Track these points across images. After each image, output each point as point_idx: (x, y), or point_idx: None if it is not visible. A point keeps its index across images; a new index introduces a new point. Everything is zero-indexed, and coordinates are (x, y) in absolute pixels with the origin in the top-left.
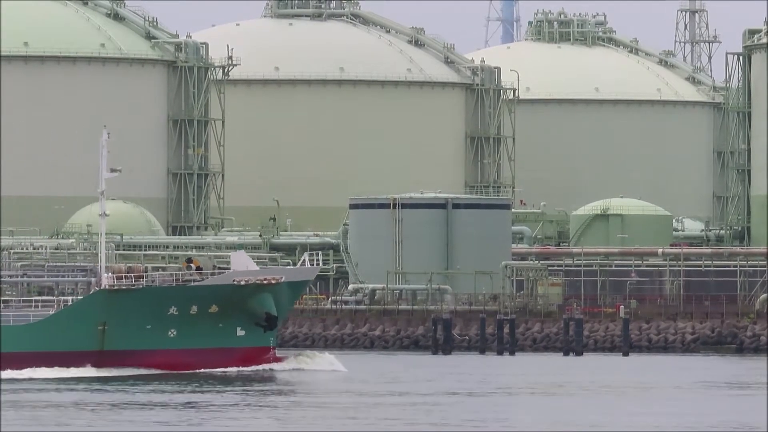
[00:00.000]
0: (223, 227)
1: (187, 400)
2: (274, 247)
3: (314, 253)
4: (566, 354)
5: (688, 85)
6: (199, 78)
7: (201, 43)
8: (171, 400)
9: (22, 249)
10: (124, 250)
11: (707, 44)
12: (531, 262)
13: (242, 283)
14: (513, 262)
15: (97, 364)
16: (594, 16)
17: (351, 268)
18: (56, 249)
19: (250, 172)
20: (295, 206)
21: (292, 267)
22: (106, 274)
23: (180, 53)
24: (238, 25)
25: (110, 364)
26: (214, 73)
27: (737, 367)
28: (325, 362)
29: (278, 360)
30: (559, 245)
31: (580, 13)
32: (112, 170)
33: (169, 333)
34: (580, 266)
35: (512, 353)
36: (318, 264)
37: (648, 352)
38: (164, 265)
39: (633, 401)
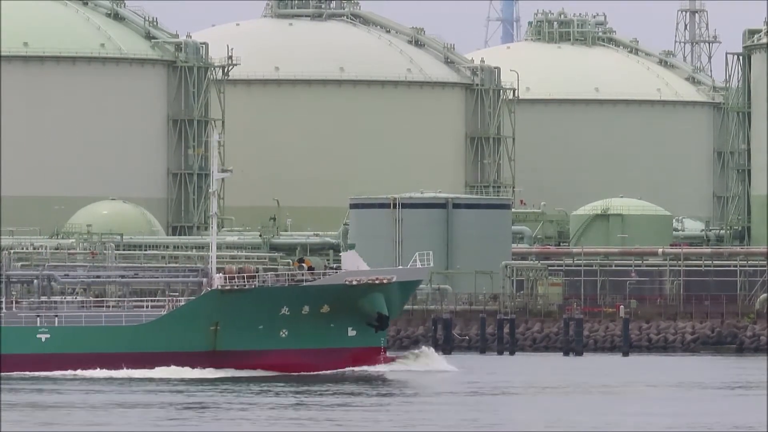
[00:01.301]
0: (223, 227)
1: (298, 401)
2: (274, 247)
3: (425, 252)
4: (566, 354)
5: (688, 85)
6: (199, 78)
7: (201, 43)
8: (281, 402)
9: (23, 249)
10: (124, 250)
11: (707, 44)
12: (531, 262)
13: (354, 283)
14: (513, 261)
15: (208, 365)
16: (594, 16)
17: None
18: (56, 249)
19: (250, 172)
20: (295, 206)
21: (402, 267)
22: (218, 275)
23: (180, 53)
24: (238, 25)
25: (222, 365)
26: (214, 73)
27: (737, 367)
28: (435, 362)
29: (389, 360)
30: (559, 245)
31: (580, 13)
32: (224, 170)
33: (281, 333)
34: (580, 266)
35: (512, 353)
36: (429, 264)
37: (648, 352)
38: (276, 266)
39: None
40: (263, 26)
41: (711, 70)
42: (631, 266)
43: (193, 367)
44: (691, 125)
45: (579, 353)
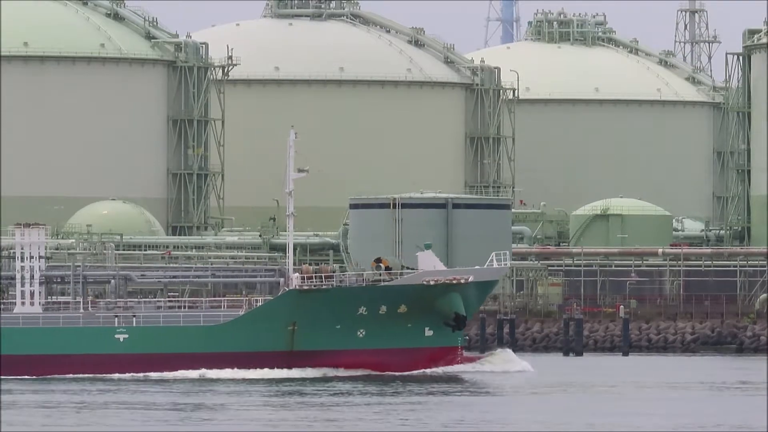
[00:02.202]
0: (223, 227)
1: (377, 401)
2: (274, 247)
3: (501, 253)
4: (566, 354)
5: (688, 85)
6: (199, 78)
7: (201, 43)
8: (362, 401)
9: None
10: (124, 250)
11: (707, 44)
12: (531, 262)
13: (432, 283)
14: (513, 262)
15: (286, 365)
16: (594, 16)
17: (351, 268)
18: (56, 249)
19: (250, 172)
20: (295, 206)
21: (479, 267)
22: (295, 275)
23: (180, 53)
24: (238, 25)
25: (300, 365)
26: (213, 73)
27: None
28: (513, 362)
29: (466, 360)
30: (559, 245)
31: (580, 13)
32: (300, 170)
33: (358, 333)
34: (580, 266)
35: None
36: (506, 264)
37: (648, 352)
38: (352, 266)
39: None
40: (263, 26)
41: (711, 70)
42: (631, 266)
43: (270, 367)
44: (691, 125)
45: (579, 353)
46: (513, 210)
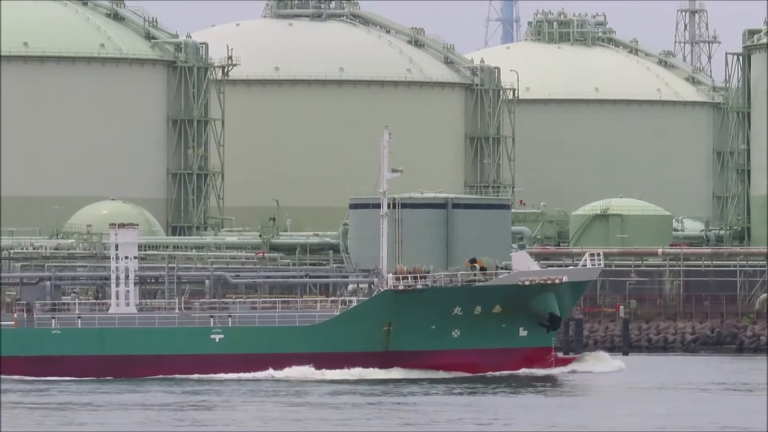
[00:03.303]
0: (222, 227)
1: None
2: (274, 247)
3: (596, 253)
4: (566, 354)
5: (687, 86)
6: (199, 78)
7: (201, 43)
8: (457, 401)
9: (22, 249)
10: None
11: (707, 44)
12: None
13: (527, 283)
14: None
15: (382, 365)
16: (594, 17)
17: (351, 267)
18: (56, 249)
19: (250, 172)
20: (295, 206)
21: (573, 267)
22: (389, 275)
23: (180, 53)
24: (237, 25)
25: (395, 365)
26: (213, 73)
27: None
28: (607, 363)
29: (560, 361)
30: (559, 245)
31: (579, 14)
32: (394, 170)
33: (453, 333)
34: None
35: None
36: (600, 264)
37: (648, 352)
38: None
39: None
40: (263, 26)
41: (711, 70)
42: (630, 266)
43: (365, 367)
44: (691, 125)
45: (579, 353)
46: (513, 210)
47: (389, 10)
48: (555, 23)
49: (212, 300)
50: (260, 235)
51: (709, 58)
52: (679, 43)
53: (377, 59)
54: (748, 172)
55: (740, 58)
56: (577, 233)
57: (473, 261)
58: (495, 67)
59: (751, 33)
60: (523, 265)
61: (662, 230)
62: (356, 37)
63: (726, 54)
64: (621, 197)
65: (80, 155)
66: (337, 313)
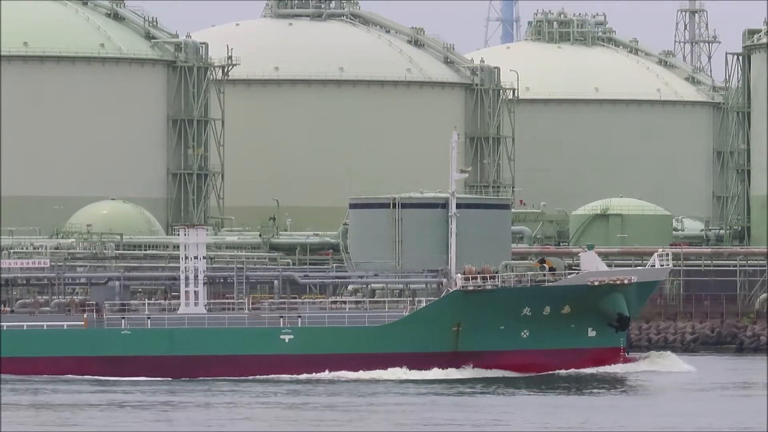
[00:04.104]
0: (223, 227)
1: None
2: (274, 247)
3: (665, 254)
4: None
5: (687, 85)
6: (199, 78)
7: (201, 43)
8: (532, 402)
9: (23, 249)
10: (124, 250)
11: (707, 44)
12: (531, 262)
13: (596, 283)
14: (513, 261)
15: (450, 365)
16: (594, 16)
17: (350, 267)
18: (56, 249)
19: (250, 172)
20: (295, 206)
21: (642, 268)
22: (458, 275)
23: (180, 53)
24: (237, 25)
25: (464, 365)
26: (213, 73)
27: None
28: (675, 364)
29: (629, 361)
30: (559, 245)
31: (580, 13)
32: (462, 171)
33: (522, 334)
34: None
35: None
36: (668, 264)
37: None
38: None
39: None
40: (263, 26)
41: (711, 70)
42: (630, 266)
43: (434, 367)
44: (691, 125)
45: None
46: (513, 210)
47: (389, 10)
48: (555, 23)
49: (281, 300)
50: (260, 235)
51: (709, 58)
52: (679, 43)
53: (377, 59)
54: (748, 172)
55: (740, 58)
56: (577, 233)
57: (542, 261)
58: (495, 67)
59: (751, 33)
60: (592, 266)
61: (662, 230)
62: (356, 37)
63: (726, 54)
64: (621, 197)
65: (80, 155)
66: (406, 313)
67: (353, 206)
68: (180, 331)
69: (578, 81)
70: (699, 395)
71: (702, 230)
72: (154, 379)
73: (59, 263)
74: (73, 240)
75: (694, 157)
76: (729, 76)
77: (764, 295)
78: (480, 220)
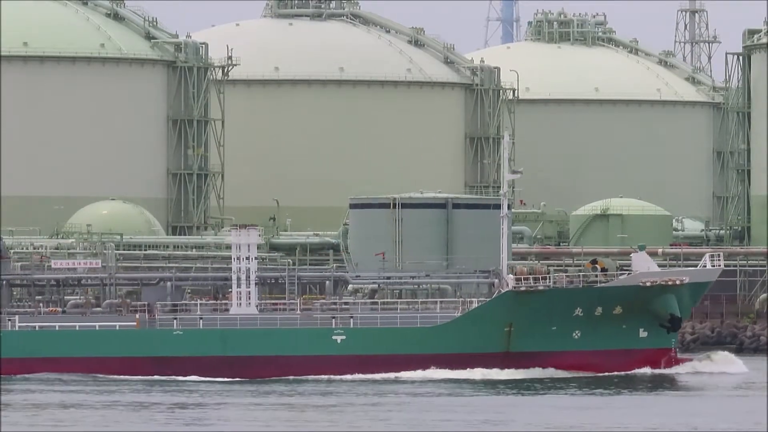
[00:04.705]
0: (222, 227)
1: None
2: (274, 247)
3: (716, 255)
4: None
5: (687, 85)
6: (199, 78)
7: (201, 43)
8: (580, 403)
9: (23, 249)
10: (124, 250)
11: (707, 44)
12: (531, 262)
13: (648, 284)
14: (513, 261)
15: (502, 366)
16: (594, 16)
17: (351, 267)
18: (56, 249)
19: (250, 172)
20: (295, 206)
21: (694, 268)
22: (509, 276)
23: (179, 53)
24: (237, 25)
25: (516, 366)
26: (213, 73)
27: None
28: (730, 364)
29: (680, 362)
30: (559, 245)
31: (580, 13)
32: (514, 171)
33: (574, 334)
34: (580, 266)
35: None
36: (720, 265)
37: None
38: (566, 267)
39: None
40: (263, 26)
41: (711, 70)
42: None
43: (486, 367)
44: (691, 125)
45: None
46: (513, 210)
47: (389, 10)
48: (555, 23)
49: (333, 301)
50: (260, 235)
51: (709, 58)
52: (679, 43)
53: (377, 59)
54: (748, 172)
55: (740, 58)
56: (577, 233)
57: (594, 262)
58: (495, 67)
59: (751, 33)
60: (644, 266)
61: (662, 230)
62: (356, 37)
63: (726, 54)
64: (621, 197)
65: (80, 155)
66: (458, 314)
67: (353, 206)
68: (232, 331)
69: (578, 81)
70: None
71: (702, 230)
72: (206, 379)
73: (111, 264)
74: (73, 240)
75: (694, 157)
76: (729, 76)
77: (764, 295)
78: (480, 220)
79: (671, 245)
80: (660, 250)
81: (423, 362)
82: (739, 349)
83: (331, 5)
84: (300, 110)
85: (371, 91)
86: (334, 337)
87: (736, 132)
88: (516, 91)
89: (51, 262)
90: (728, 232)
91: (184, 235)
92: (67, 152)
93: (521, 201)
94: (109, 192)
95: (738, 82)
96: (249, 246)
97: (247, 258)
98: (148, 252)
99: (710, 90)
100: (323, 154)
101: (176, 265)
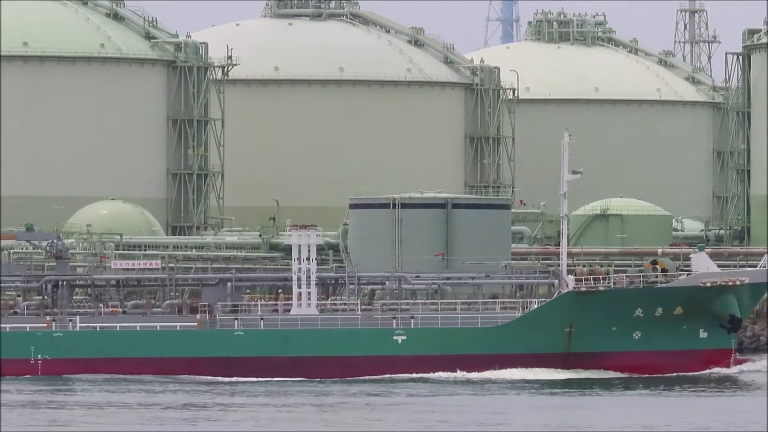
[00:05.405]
0: (222, 227)
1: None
2: (274, 247)
3: None
4: None
5: (687, 85)
6: (199, 78)
7: (201, 43)
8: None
9: (22, 249)
10: (123, 250)
11: (707, 44)
12: (531, 262)
13: (708, 284)
14: (513, 261)
15: (563, 366)
16: (594, 16)
17: (351, 268)
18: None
19: (250, 172)
20: (295, 206)
21: (754, 269)
22: (569, 276)
23: (179, 53)
24: (237, 25)
25: (576, 366)
26: (213, 73)
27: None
28: None
29: (740, 362)
30: (558, 245)
31: (579, 13)
32: (574, 172)
33: (634, 335)
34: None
35: None
36: None
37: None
38: (625, 267)
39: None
40: (263, 26)
41: (711, 70)
42: (630, 266)
43: (546, 368)
44: (691, 125)
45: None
46: (513, 210)
47: (389, 10)
48: (555, 23)
49: (393, 301)
50: (260, 235)
51: (709, 58)
52: (679, 42)
53: (377, 59)
54: (748, 172)
55: (740, 57)
56: (577, 233)
57: (654, 263)
58: (495, 67)
59: (751, 33)
60: (703, 267)
61: (662, 230)
62: (356, 37)
63: (726, 54)
64: (621, 197)
65: (80, 155)
66: (519, 314)
67: (353, 206)
68: (293, 332)
69: (578, 81)
70: None
71: (702, 230)
72: (267, 379)
73: (171, 264)
74: (73, 240)
75: (694, 157)
76: (729, 76)
77: (764, 295)
78: (480, 220)
79: (671, 245)
80: (660, 250)
81: (483, 363)
82: (739, 349)
83: (330, 5)
84: (300, 110)
85: (371, 91)
86: (395, 338)
87: (736, 132)
88: (516, 91)
89: (111, 263)
90: (728, 232)
91: (184, 235)
92: (67, 152)
93: (521, 201)
94: (109, 192)
95: (738, 82)
96: (309, 247)
97: (307, 259)
98: (147, 252)
99: (710, 90)
100: (323, 154)
101: (236, 266)
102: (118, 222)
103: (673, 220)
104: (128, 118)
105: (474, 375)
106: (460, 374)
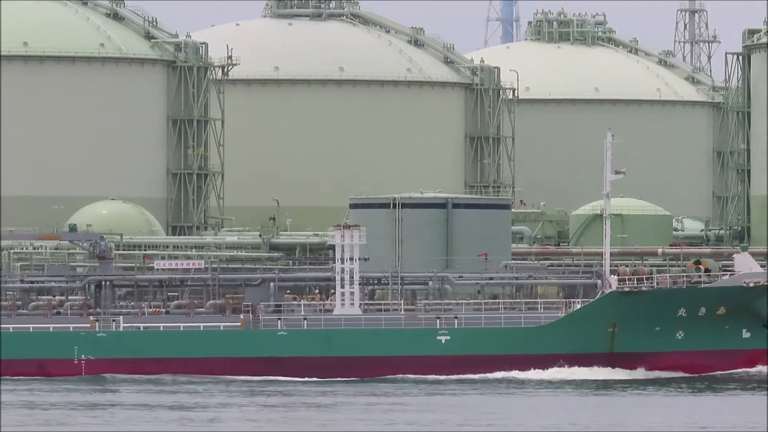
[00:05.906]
0: (222, 227)
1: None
2: (274, 247)
3: None
4: None
5: (687, 85)
6: (199, 78)
7: (201, 43)
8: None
9: (22, 249)
10: (124, 250)
11: (707, 44)
12: (531, 262)
13: (751, 285)
14: (513, 261)
15: (606, 366)
16: (594, 16)
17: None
18: (56, 249)
19: (250, 172)
20: (295, 206)
21: None
22: (612, 276)
23: (179, 53)
24: (237, 25)
25: (619, 366)
26: (213, 73)
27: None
28: None
29: None
30: (558, 245)
31: (579, 13)
32: (617, 172)
33: (677, 335)
34: (579, 266)
35: None
36: None
37: None
38: (666, 268)
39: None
40: (263, 26)
41: (711, 70)
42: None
43: (590, 367)
44: (691, 125)
45: None
46: (513, 210)
47: (389, 10)
48: (555, 23)
49: (436, 301)
50: (260, 235)
51: (709, 57)
52: (679, 42)
53: (377, 59)
54: (748, 172)
55: (740, 57)
56: (577, 233)
57: (698, 263)
58: (495, 67)
59: (751, 33)
60: (746, 267)
61: (662, 230)
62: (356, 37)
63: (726, 54)
64: (621, 197)
65: (80, 155)
66: (562, 314)
67: (353, 206)
68: (337, 332)
69: (578, 81)
70: None
71: (702, 230)
72: (311, 379)
73: (214, 265)
74: None
75: (694, 157)
76: (729, 76)
77: None
78: (480, 220)
79: (671, 245)
80: (660, 250)
81: (527, 362)
82: None
83: (330, 5)
84: (300, 110)
85: (371, 90)
86: (438, 338)
87: (736, 132)
88: (516, 91)
89: (154, 263)
90: (728, 232)
91: (184, 235)
92: (67, 152)
93: (521, 201)
94: (109, 192)
95: (738, 81)
96: (353, 247)
97: (351, 259)
98: (147, 252)
99: (710, 90)
100: (323, 154)
101: (278, 266)
102: (118, 222)
103: (673, 220)
104: (128, 118)
105: (517, 375)
106: (502, 374)
